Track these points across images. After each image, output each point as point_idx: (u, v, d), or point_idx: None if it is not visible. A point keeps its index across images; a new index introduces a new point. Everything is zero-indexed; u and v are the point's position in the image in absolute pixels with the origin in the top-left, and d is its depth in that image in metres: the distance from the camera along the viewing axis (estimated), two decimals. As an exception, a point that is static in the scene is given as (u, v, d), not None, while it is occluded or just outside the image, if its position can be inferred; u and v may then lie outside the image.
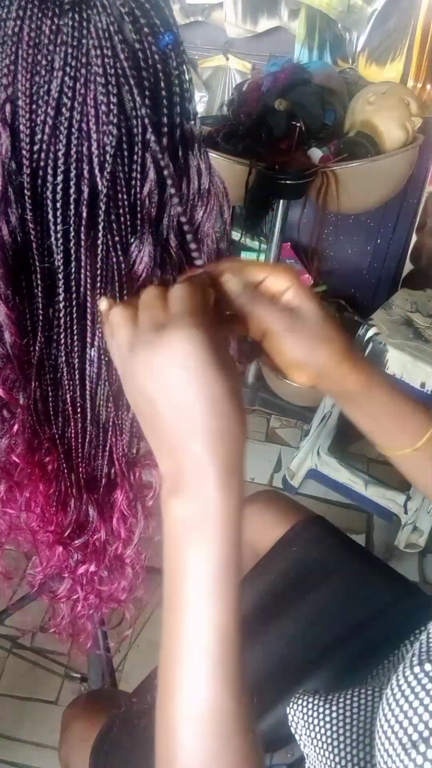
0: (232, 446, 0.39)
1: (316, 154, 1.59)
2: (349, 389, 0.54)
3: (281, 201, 1.60)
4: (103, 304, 0.44)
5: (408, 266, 2.10)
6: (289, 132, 1.58)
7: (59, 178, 0.41)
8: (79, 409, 0.50)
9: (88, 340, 0.47)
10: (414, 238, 2.05)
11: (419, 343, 1.50)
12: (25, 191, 0.42)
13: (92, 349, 0.47)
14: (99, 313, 0.46)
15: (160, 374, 0.38)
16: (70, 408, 0.50)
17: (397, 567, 1.66)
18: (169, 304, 0.40)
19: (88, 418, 0.51)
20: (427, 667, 0.43)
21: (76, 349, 0.47)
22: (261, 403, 2.06)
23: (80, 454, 0.53)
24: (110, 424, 0.52)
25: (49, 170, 0.41)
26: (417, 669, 0.43)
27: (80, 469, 0.54)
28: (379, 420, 0.58)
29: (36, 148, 0.41)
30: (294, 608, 0.86)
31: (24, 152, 0.41)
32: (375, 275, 2.16)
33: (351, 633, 0.82)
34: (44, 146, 0.41)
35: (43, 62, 0.39)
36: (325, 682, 0.77)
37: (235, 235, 1.91)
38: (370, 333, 1.53)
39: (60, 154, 0.41)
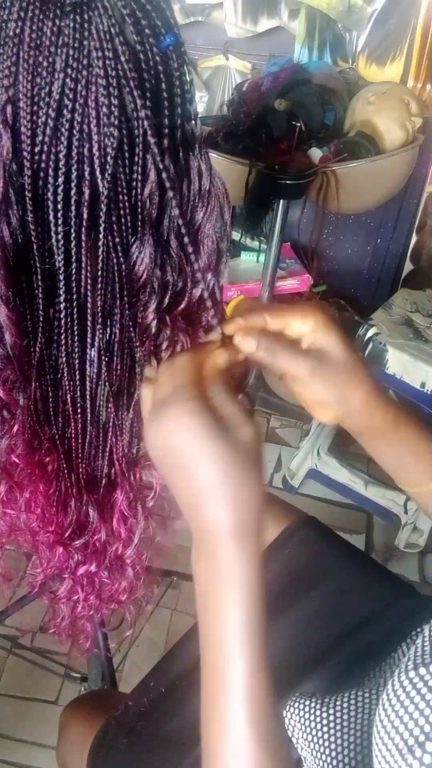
0: (244, 508, 0.40)
1: (316, 154, 1.59)
2: (374, 427, 0.55)
3: (281, 201, 1.60)
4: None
5: (408, 266, 2.10)
6: (289, 132, 1.58)
7: (60, 180, 0.41)
8: (79, 410, 0.50)
9: (89, 340, 0.47)
10: (414, 238, 2.05)
11: (419, 343, 1.50)
12: (26, 192, 0.42)
13: (92, 349, 0.48)
14: (99, 313, 0.46)
15: (167, 447, 0.41)
16: (70, 408, 0.50)
17: (397, 567, 1.66)
18: (173, 378, 0.43)
19: (88, 418, 0.51)
20: (422, 671, 0.43)
21: (76, 349, 0.47)
22: (261, 403, 2.07)
23: (80, 455, 0.53)
24: (110, 424, 0.52)
25: (50, 172, 0.41)
26: (412, 673, 0.44)
27: (80, 470, 0.54)
28: (402, 457, 0.59)
29: (37, 149, 0.41)
30: (289, 610, 0.86)
31: (25, 154, 0.41)
32: (375, 275, 2.16)
33: (347, 635, 0.82)
34: (45, 148, 0.41)
35: (45, 64, 0.39)
36: (322, 684, 0.76)
37: (235, 235, 1.91)
38: (370, 333, 1.53)
39: (61, 155, 0.41)
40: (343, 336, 0.51)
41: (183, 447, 0.40)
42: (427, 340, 1.52)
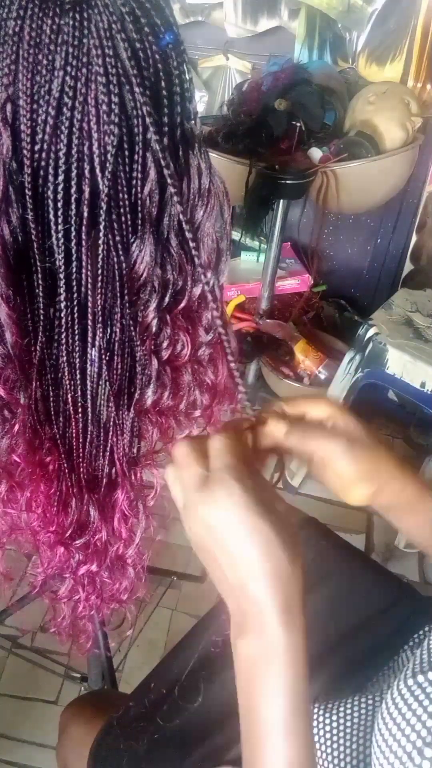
0: (289, 585, 0.41)
1: (316, 154, 1.59)
2: (405, 499, 0.56)
3: (281, 201, 1.60)
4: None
5: (408, 266, 2.10)
6: (289, 132, 1.58)
7: (60, 178, 0.41)
8: (80, 409, 0.50)
9: (89, 339, 0.47)
10: (414, 238, 2.04)
11: (419, 343, 1.50)
12: (26, 191, 0.42)
13: (93, 348, 0.47)
14: (99, 312, 0.46)
15: (213, 529, 0.41)
16: (71, 408, 0.50)
17: (397, 567, 1.66)
18: (210, 460, 0.43)
19: (89, 417, 0.51)
20: (420, 678, 0.44)
21: (77, 348, 0.47)
22: (261, 403, 2.06)
23: (81, 454, 0.53)
24: (111, 424, 0.51)
25: (50, 170, 0.41)
26: (411, 681, 0.44)
27: (81, 469, 0.54)
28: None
29: (37, 147, 0.41)
30: None
31: (25, 152, 0.41)
32: (375, 275, 2.16)
33: (348, 636, 0.81)
34: (45, 146, 0.41)
35: (44, 62, 0.39)
36: (324, 686, 0.76)
37: (235, 235, 1.91)
38: (370, 333, 1.53)
39: (61, 153, 0.40)
40: (355, 417, 0.54)
41: (230, 531, 0.41)
42: (427, 340, 1.52)
